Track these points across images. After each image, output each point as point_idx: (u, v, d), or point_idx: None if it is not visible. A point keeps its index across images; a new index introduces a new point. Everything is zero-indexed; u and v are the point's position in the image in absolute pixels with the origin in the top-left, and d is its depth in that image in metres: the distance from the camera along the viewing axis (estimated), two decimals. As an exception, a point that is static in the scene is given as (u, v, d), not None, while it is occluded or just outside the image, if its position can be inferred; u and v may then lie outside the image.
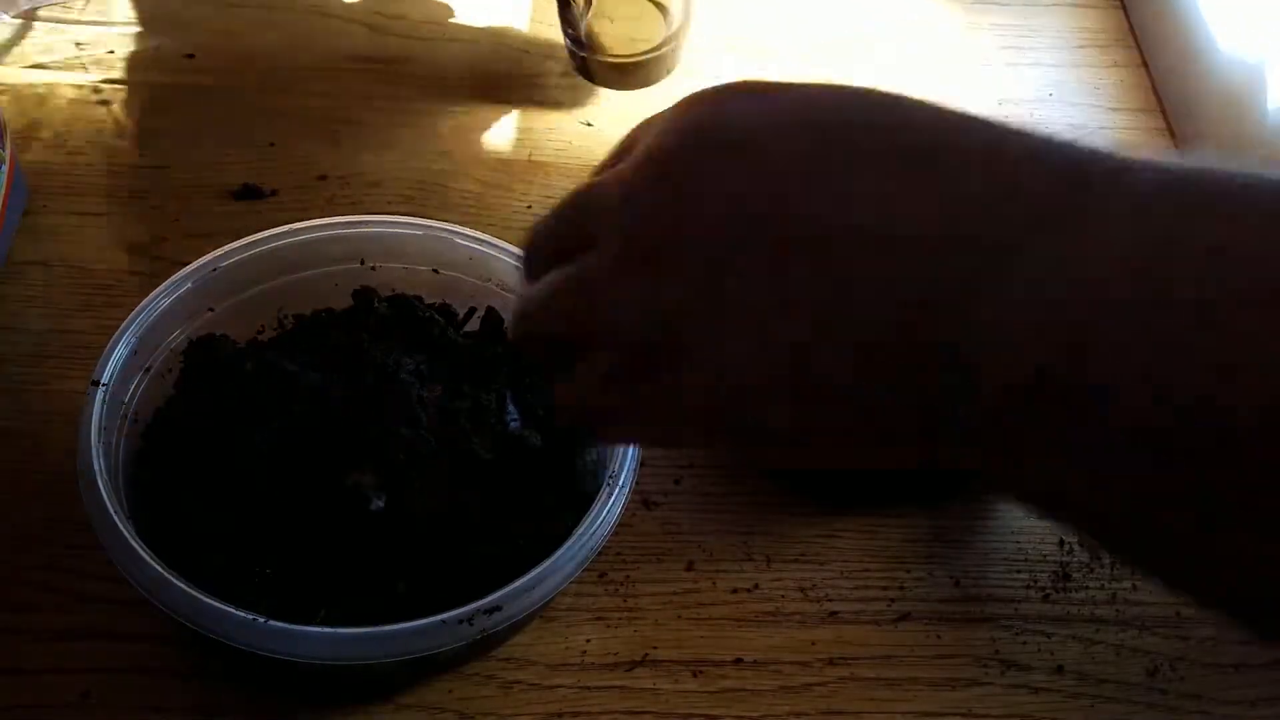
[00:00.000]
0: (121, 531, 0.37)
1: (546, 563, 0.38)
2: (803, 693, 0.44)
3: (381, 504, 0.40)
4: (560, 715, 0.43)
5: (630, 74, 0.64)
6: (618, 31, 0.63)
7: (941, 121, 0.26)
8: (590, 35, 0.63)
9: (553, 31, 0.69)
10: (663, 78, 0.65)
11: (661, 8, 0.63)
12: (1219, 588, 0.23)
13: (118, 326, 0.52)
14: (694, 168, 0.27)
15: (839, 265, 0.25)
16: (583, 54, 0.64)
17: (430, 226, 0.48)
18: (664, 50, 0.63)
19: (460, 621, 0.36)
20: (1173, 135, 0.69)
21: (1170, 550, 0.23)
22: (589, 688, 0.43)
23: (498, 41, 0.69)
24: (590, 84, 0.65)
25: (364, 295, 0.47)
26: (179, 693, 0.42)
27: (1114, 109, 0.70)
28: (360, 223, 0.49)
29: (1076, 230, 0.23)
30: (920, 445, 0.26)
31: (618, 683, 0.44)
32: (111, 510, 0.38)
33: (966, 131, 0.25)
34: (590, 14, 0.62)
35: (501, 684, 0.43)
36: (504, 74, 0.67)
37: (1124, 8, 0.76)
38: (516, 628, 0.42)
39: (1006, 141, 0.25)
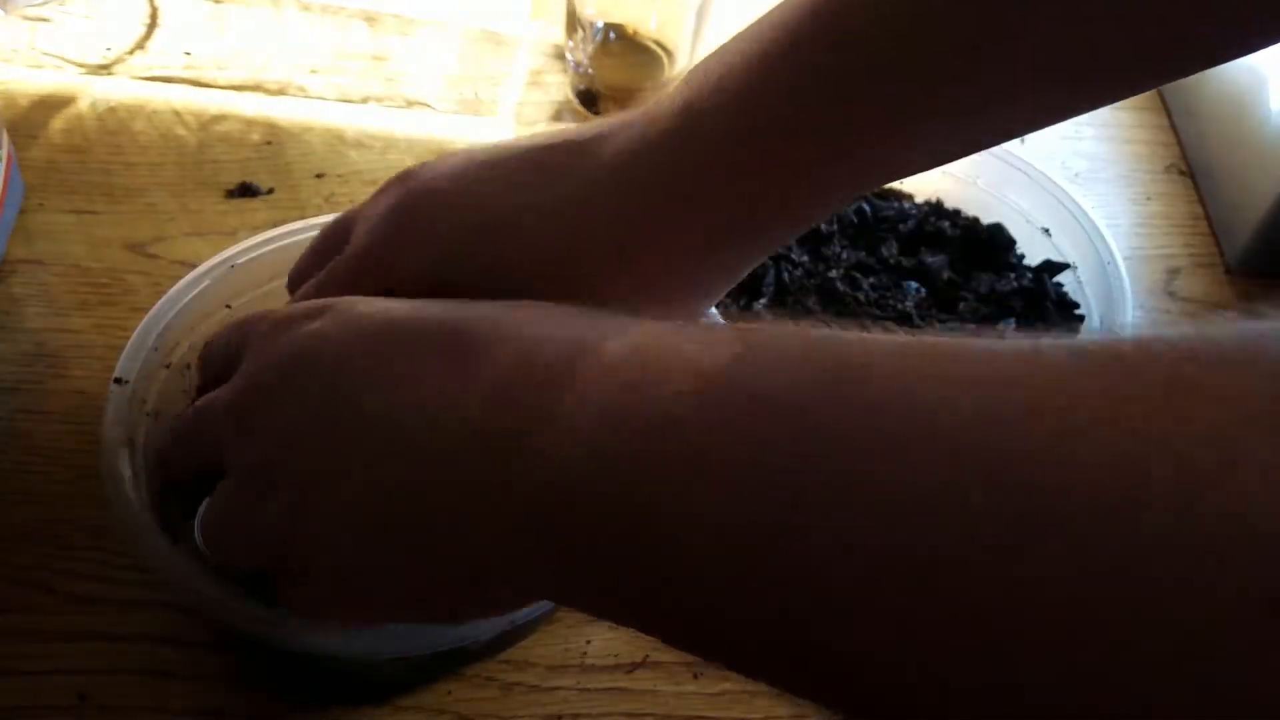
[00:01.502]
0: (147, 531, 0.37)
1: None
2: (804, 694, 0.44)
3: None
4: (560, 717, 0.42)
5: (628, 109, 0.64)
6: (621, 67, 0.63)
7: (460, 316, 0.31)
8: (594, 66, 0.63)
9: (554, 32, 0.69)
10: None
11: (667, 52, 0.63)
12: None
13: (114, 325, 0.52)
14: (277, 394, 0.32)
15: (394, 446, 0.29)
16: (584, 85, 0.64)
17: None
18: (664, 91, 0.63)
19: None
20: (1176, 134, 0.69)
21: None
22: (589, 689, 0.43)
23: (498, 40, 0.69)
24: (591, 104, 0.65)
25: None
26: (177, 694, 0.41)
27: (1116, 108, 0.70)
28: None
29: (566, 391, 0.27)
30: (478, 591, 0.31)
31: (618, 684, 0.43)
32: (137, 509, 0.38)
33: (479, 320, 0.30)
34: (595, 48, 0.62)
35: (501, 686, 0.43)
36: (503, 73, 0.67)
37: (1125, 6, 0.76)
38: (537, 622, 0.42)
39: (509, 325, 0.30)
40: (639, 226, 0.33)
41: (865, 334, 0.24)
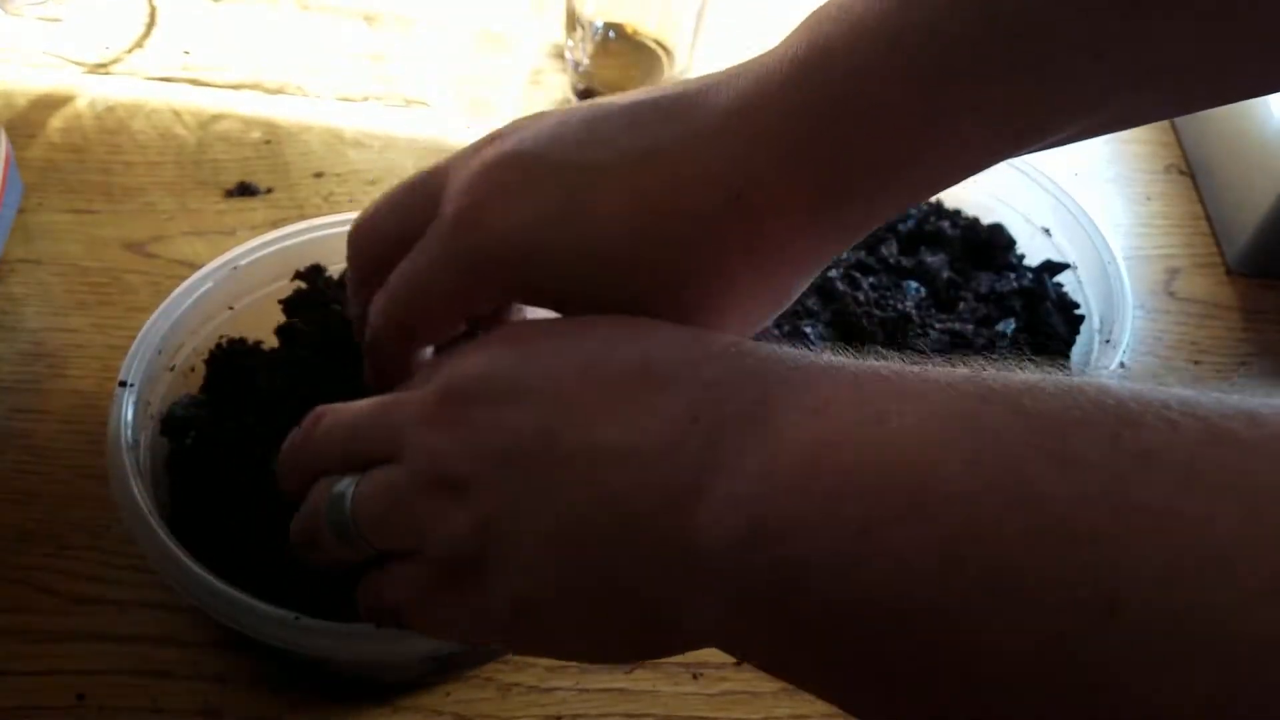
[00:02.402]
0: (156, 531, 0.37)
1: None
2: (803, 695, 0.44)
3: None
4: (559, 718, 0.42)
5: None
6: (621, 66, 0.63)
7: (650, 345, 0.31)
8: (594, 65, 0.63)
9: (554, 31, 0.69)
10: None
11: (667, 51, 0.63)
12: None
13: (113, 324, 0.52)
14: (479, 409, 0.32)
15: (587, 477, 0.29)
16: (584, 84, 0.64)
17: None
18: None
19: None
20: (1176, 134, 0.69)
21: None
22: (588, 690, 0.43)
23: (497, 40, 0.69)
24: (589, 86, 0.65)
25: (311, 274, 0.46)
26: (175, 694, 0.41)
27: (1116, 107, 0.70)
28: None
29: (763, 434, 0.27)
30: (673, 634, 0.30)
31: (617, 685, 0.43)
32: (145, 511, 0.38)
33: (667, 346, 0.31)
34: (595, 47, 0.62)
35: (500, 686, 0.43)
36: (503, 72, 0.67)
37: (1126, 5, 0.76)
38: None
39: (705, 366, 0.30)
40: (759, 173, 0.31)
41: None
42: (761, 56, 0.32)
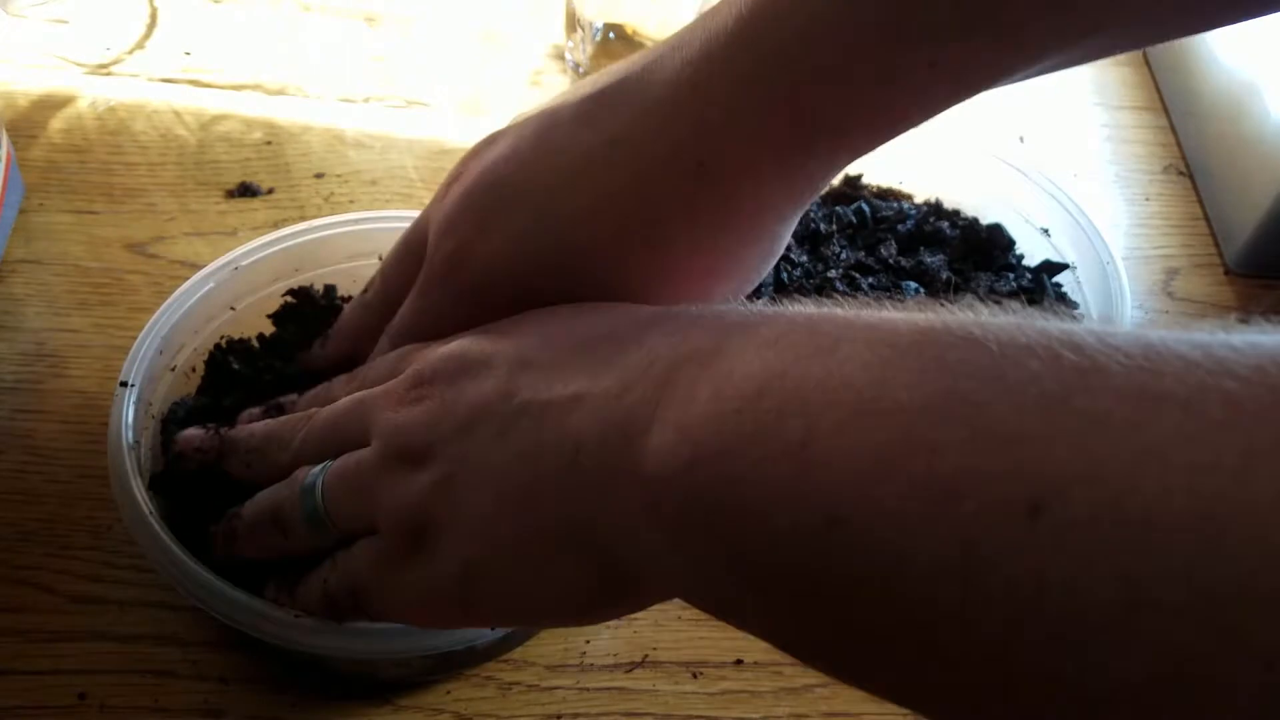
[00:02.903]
0: (157, 531, 0.37)
1: None
2: (803, 694, 0.44)
3: None
4: (559, 717, 0.42)
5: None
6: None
7: (615, 315, 0.32)
8: (594, 66, 0.63)
9: (554, 31, 0.69)
10: None
11: None
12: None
13: (114, 324, 0.52)
14: (447, 388, 0.32)
15: (540, 424, 0.30)
16: None
17: None
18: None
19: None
20: (1175, 134, 0.69)
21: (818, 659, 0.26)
22: (588, 689, 0.43)
23: (497, 40, 0.69)
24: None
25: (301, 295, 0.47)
26: (176, 693, 0.41)
27: (1116, 107, 0.70)
28: (378, 218, 0.48)
29: (715, 368, 0.27)
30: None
31: (617, 684, 0.43)
32: (146, 510, 0.38)
33: (629, 313, 0.32)
34: (595, 48, 0.62)
35: (500, 685, 0.43)
36: (503, 73, 0.67)
37: (1125, 6, 0.76)
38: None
39: (666, 322, 0.30)
40: (717, 143, 0.32)
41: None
42: (704, 19, 0.33)
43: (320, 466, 0.35)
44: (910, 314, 0.25)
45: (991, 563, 0.20)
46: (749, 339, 0.27)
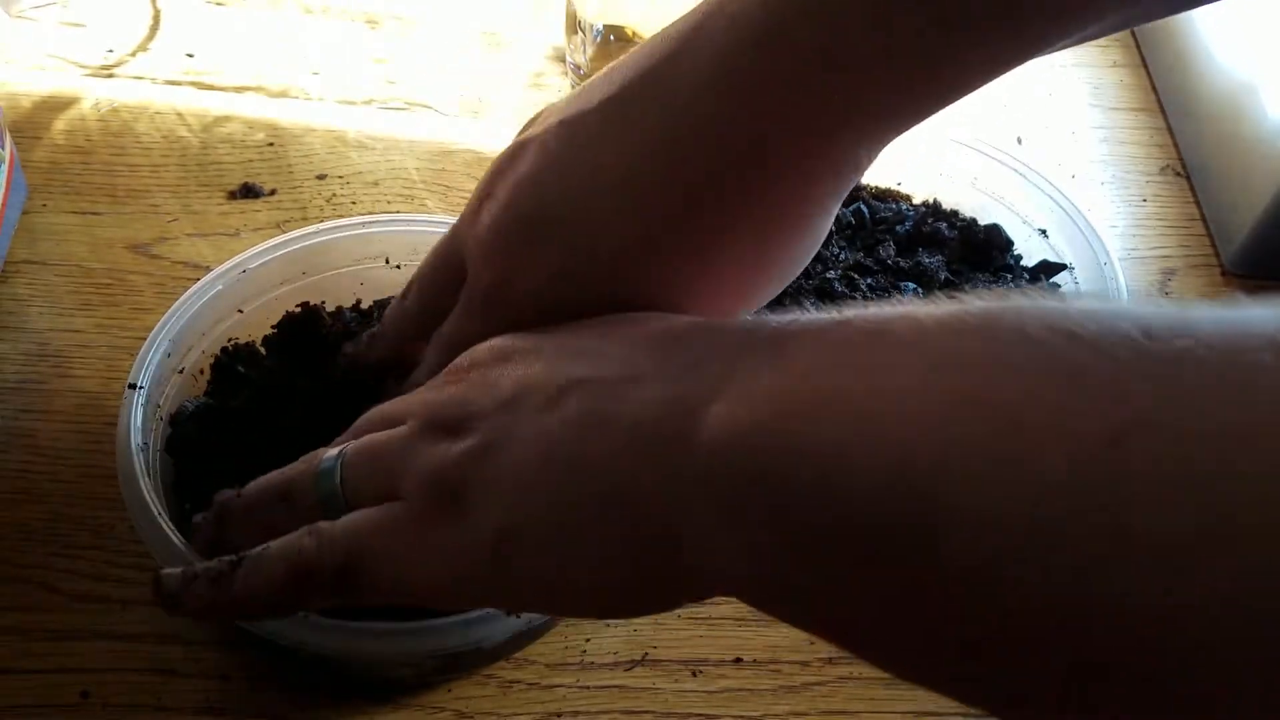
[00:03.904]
0: (167, 534, 0.37)
1: None
2: (802, 692, 0.44)
3: None
4: (559, 715, 0.43)
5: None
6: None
7: (666, 317, 0.32)
8: (594, 68, 0.63)
9: (554, 32, 0.69)
10: None
11: None
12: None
13: (117, 325, 0.52)
14: (488, 371, 0.32)
15: (591, 400, 0.29)
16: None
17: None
18: None
19: (508, 614, 0.36)
20: (1171, 135, 0.69)
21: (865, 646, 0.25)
22: (588, 687, 0.43)
23: (498, 42, 0.69)
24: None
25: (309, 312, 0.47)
26: (179, 692, 0.42)
27: (1114, 108, 0.70)
28: (385, 221, 0.49)
29: (775, 358, 0.27)
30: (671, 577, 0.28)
31: (617, 682, 0.44)
32: (156, 513, 0.38)
33: (681, 319, 0.32)
34: (595, 50, 0.62)
35: (500, 683, 0.43)
36: (504, 74, 0.67)
37: (1123, 8, 0.76)
38: (554, 622, 0.42)
39: (714, 325, 0.30)
40: (764, 135, 0.31)
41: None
42: (716, 6, 0.31)
43: (340, 448, 0.34)
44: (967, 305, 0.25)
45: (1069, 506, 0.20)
46: (809, 337, 0.27)
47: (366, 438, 0.34)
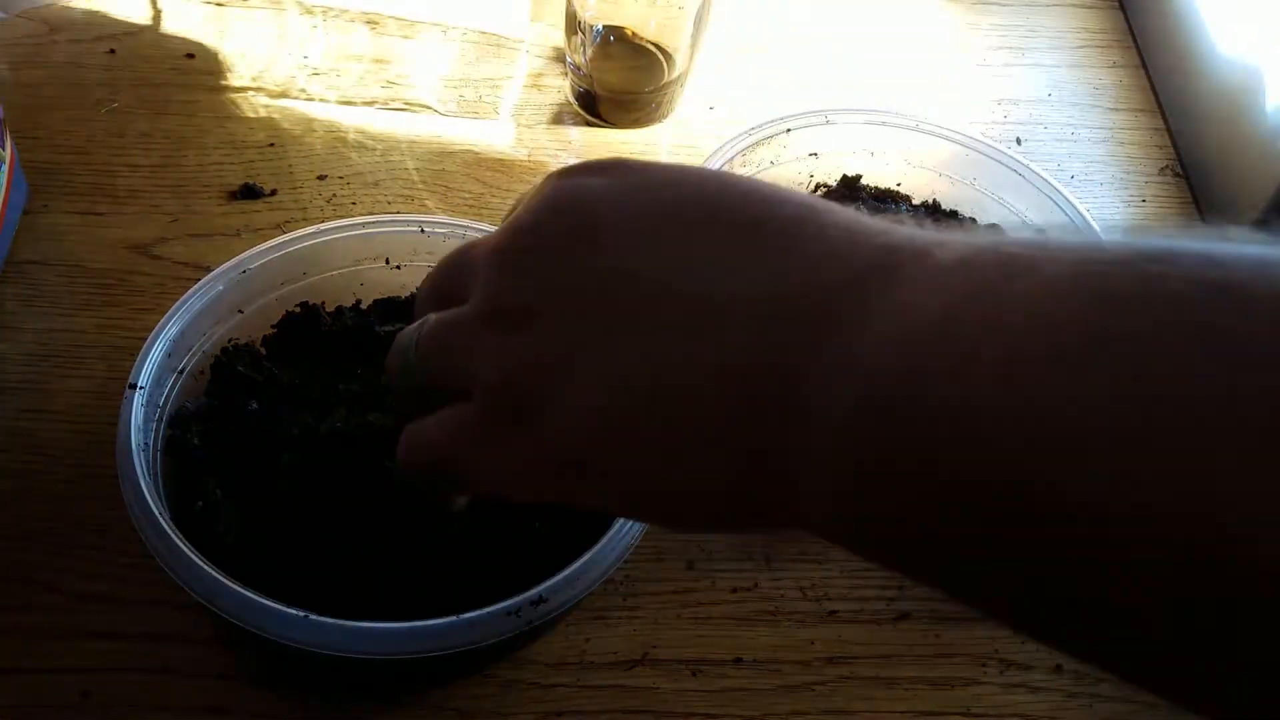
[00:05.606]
0: (169, 534, 0.37)
1: (588, 555, 0.38)
2: (802, 692, 0.44)
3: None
4: (560, 714, 0.43)
5: (626, 112, 0.64)
6: (620, 69, 0.63)
7: (766, 198, 0.29)
8: (594, 69, 0.63)
9: (555, 33, 0.69)
10: (657, 121, 0.65)
11: (666, 55, 0.63)
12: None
13: (118, 325, 0.52)
14: (550, 241, 0.30)
15: (677, 323, 0.27)
16: (584, 87, 0.64)
17: (455, 225, 0.48)
18: (662, 94, 0.64)
19: (508, 614, 0.36)
20: (1171, 135, 0.69)
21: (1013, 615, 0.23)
22: (588, 686, 0.43)
23: (498, 43, 0.69)
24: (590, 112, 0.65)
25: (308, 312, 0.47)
26: (179, 692, 0.42)
27: (1113, 109, 0.71)
28: (385, 221, 0.49)
29: (891, 290, 0.25)
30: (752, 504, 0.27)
31: (617, 682, 0.44)
32: (157, 513, 0.38)
33: (785, 204, 0.28)
34: (595, 50, 0.62)
35: (501, 683, 0.43)
36: (504, 75, 0.67)
37: (1123, 8, 0.76)
38: (555, 622, 0.42)
39: (821, 214, 0.28)
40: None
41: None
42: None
43: (421, 320, 0.33)
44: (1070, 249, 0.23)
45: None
46: (919, 265, 0.25)
47: (439, 315, 0.32)
